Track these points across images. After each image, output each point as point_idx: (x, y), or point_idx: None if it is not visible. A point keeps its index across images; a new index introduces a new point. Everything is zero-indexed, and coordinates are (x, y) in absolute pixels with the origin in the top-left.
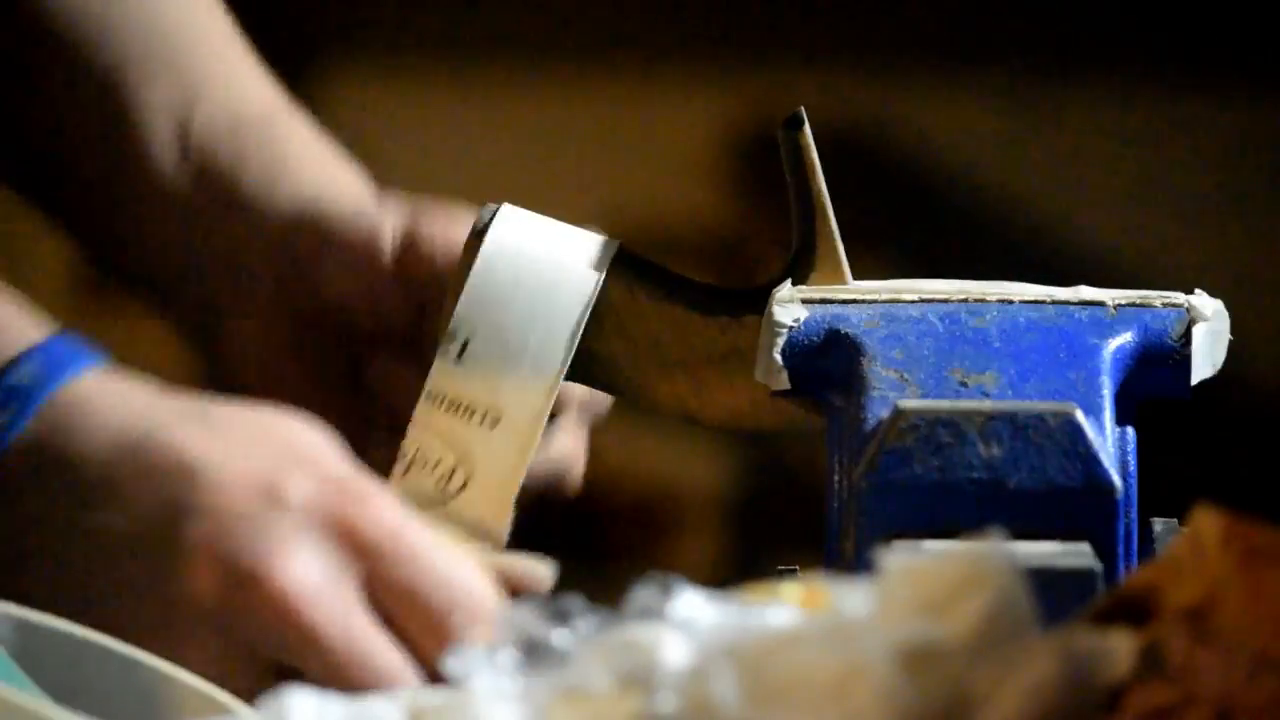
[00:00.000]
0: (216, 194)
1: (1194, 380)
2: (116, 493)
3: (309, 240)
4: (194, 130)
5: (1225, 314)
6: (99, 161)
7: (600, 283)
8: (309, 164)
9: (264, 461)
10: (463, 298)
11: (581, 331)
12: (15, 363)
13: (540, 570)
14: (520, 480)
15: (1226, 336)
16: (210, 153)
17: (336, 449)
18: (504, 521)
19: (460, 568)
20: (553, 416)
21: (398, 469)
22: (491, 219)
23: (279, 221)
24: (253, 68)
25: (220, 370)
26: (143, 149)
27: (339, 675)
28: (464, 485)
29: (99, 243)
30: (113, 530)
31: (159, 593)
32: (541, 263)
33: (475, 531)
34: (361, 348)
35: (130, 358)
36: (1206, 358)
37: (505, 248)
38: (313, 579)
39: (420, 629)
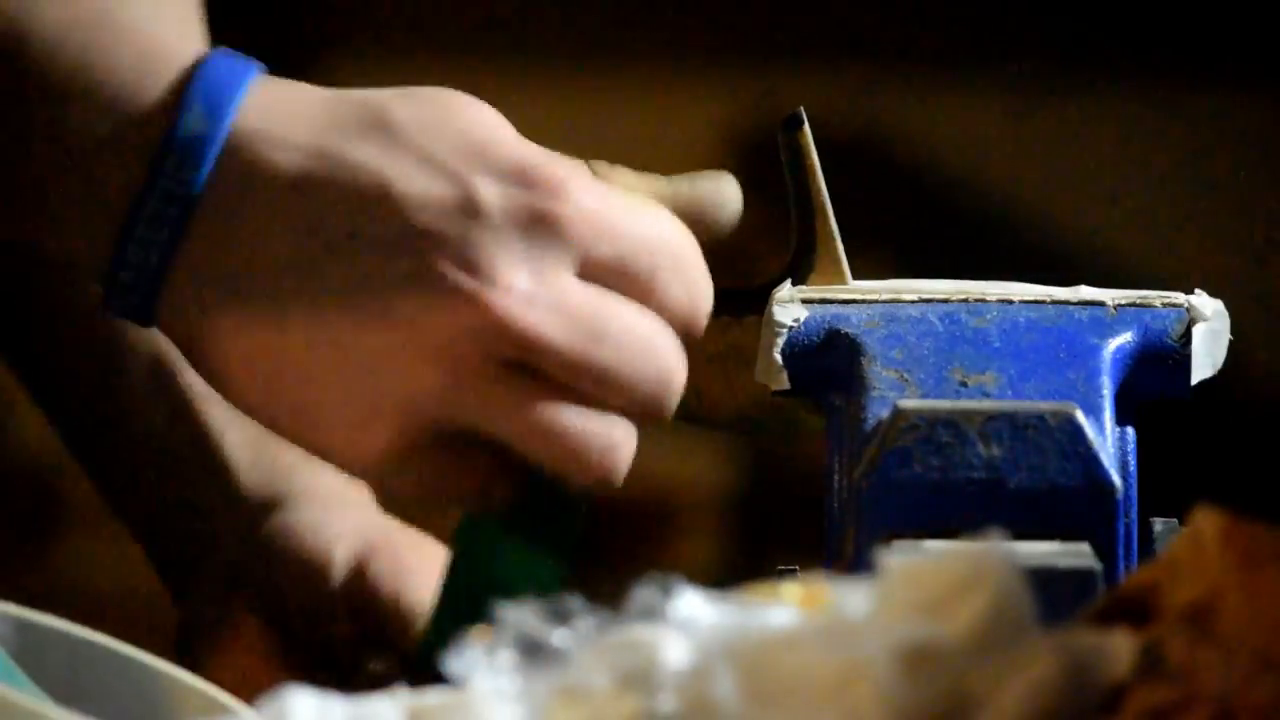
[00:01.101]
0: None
1: (1194, 380)
2: (319, 224)
3: (272, 540)
4: None
5: (1225, 314)
6: None
7: None
8: None
9: (451, 169)
10: None
11: None
12: (183, 106)
13: (727, 190)
14: None
15: (1227, 336)
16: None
17: (511, 129)
18: None
19: (657, 225)
20: None
21: None
22: None
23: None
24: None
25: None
26: None
27: (575, 368)
28: None
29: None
30: (317, 259)
31: (384, 321)
32: None
33: None
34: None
35: None
36: (1206, 358)
37: None
38: (527, 284)
39: (637, 293)
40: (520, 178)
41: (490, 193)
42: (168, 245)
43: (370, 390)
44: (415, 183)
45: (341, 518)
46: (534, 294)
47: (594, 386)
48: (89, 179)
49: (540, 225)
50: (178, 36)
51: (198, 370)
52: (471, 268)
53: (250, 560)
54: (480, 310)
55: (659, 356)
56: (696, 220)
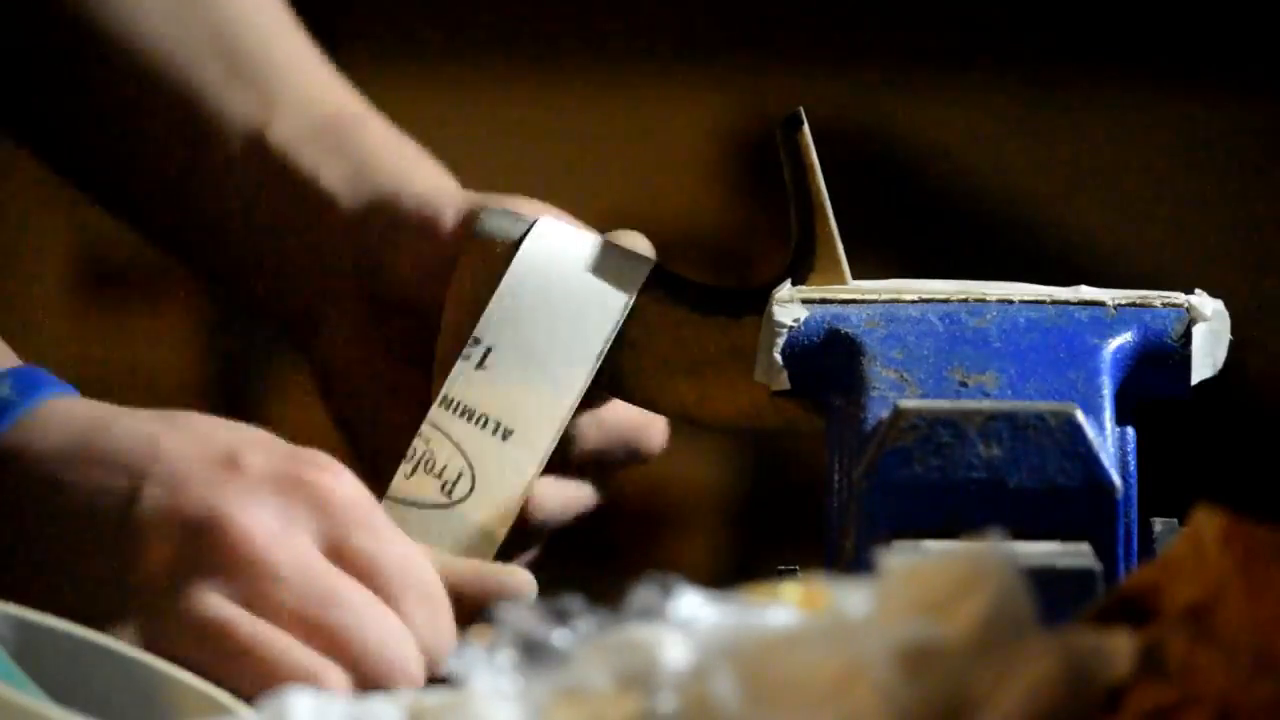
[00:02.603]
0: (298, 198)
1: (1194, 380)
2: (73, 481)
3: (378, 225)
4: (272, 138)
5: (1225, 314)
6: (177, 171)
7: (629, 305)
8: (388, 160)
9: (221, 441)
10: (490, 306)
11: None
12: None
13: (517, 580)
14: (526, 494)
15: (1227, 336)
16: (291, 158)
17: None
18: (502, 533)
19: (414, 551)
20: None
21: (404, 468)
22: (527, 231)
23: (356, 215)
24: (328, 73)
25: (321, 375)
26: (221, 160)
27: (304, 615)
28: (469, 492)
29: (181, 249)
30: (71, 515)
31: (119, 572)
32: (572, 281)
33: (473, 538)
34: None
35: (130, 356)
36: (1206, 357)
37: (537, 262)
38: (272, 525)
39: (383, 598)
40: (289, 455)
41: (256, 457)
42: None
43: None
44: (184, 443)
45: (450, 188)
46: (277, 533)
47: (319, 643)
48: None
49: (298, 491)
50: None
51: None
52: (218, 504)
53: (369, 262)
54: (218, 537)
55: (393, 639)
56: (474, 599)
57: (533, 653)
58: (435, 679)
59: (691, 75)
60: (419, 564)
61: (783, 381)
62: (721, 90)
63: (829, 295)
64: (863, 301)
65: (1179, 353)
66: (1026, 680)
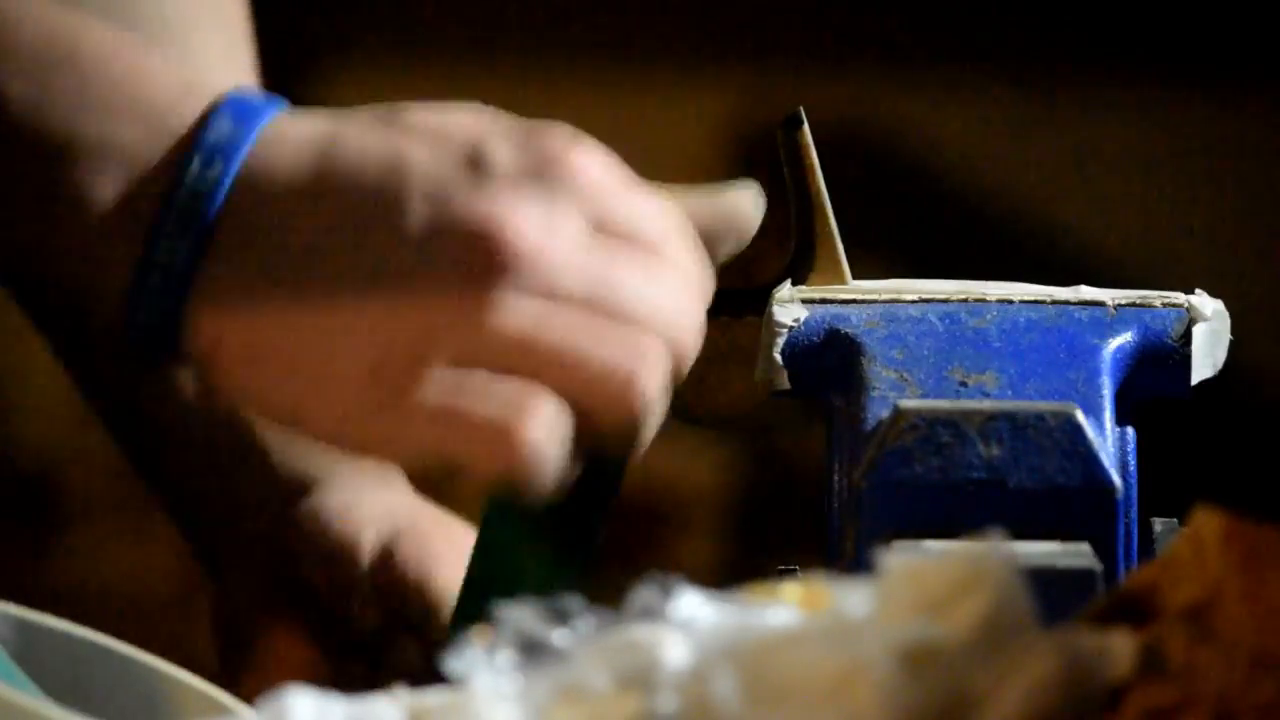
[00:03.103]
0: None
1: (1194, 380)
2: (324, 213)
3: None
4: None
5: (1226, 314)
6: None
7: None
8: None
9: (459, 140)
10: None
11: None
12: (208, 121)
13: (745, 201)
14: None
15: (1227, 336)
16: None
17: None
18: None
19: (667, 211)
20: None
21: None
22: None
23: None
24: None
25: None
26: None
27: (591, 299)
28: None
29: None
30: (327, 251)
31: (392, 308)
32: None
33: None
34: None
35: None
36: (1207, 357)
37: None
38: (540, 218)
39: (638, 261)
40: (530, 135)
41: (499, 148)
42: (189, 256)
43: (373, 351)
44: (422, 150)
45: (372, 500)
46: (548, 228)
47: (606, 319)
48: (113, 203)
49: (551, 174)
50: (221, 65)
51: (210, 377)
52: (483, 213)
53: (282, 545)
54: (494, 250)
55: (672, 304)
56: (715, 232)
57: (533, 653)
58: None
59: (691, 75)
60: (676, 225)
61: (783, 381)
62: (721, 89)
63: (829, 295)
64: (863, 301)
65: (1179, 353)
66: (1026, 680)
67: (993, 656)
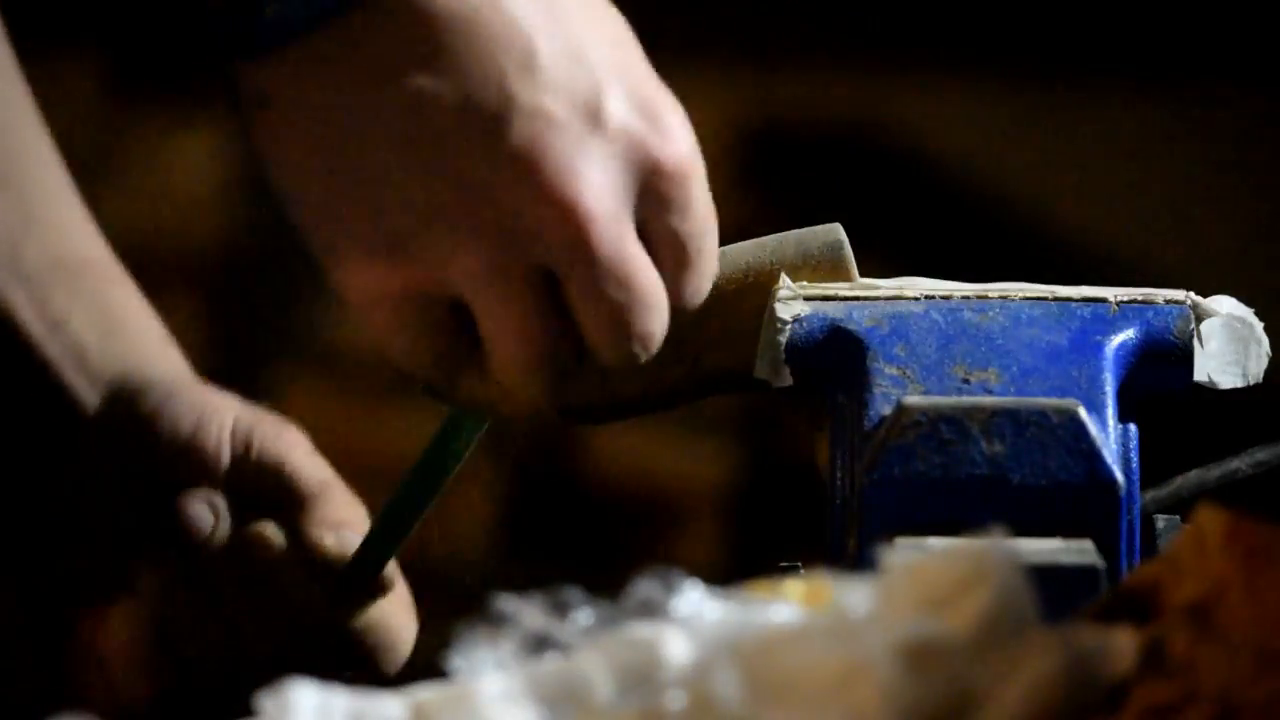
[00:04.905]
0: (51, 328)
1: (1223, 386)
2: (451, 59)
3: (143, 409)
4: (26, 261)
5: (1256, 324)
6: None
7: None
8: (133, 325)
9: (593, 64)
10: None
11: None
12: None
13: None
14: None
15: (1263, 349)
16: (43, 287)
17: (644, 58)
18: None
19: (710, 229)
20: None
21: None
22: None
23: (112, 380)
24: (82, 216)
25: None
26: None
27: (596, 288)
28: None
29: None
30: (440, 98)
31: (462, 170)
32: None
33: None
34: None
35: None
36: (1231, 364)
37: None
38: (605, 202)
39: (672, 266)
40: (644, 109)
41: (616, 109)
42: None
43: (423, 210)
44: (560, 60)
45: (218, 400)
46: (605, 213)
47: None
48: None
49: (636, 155)
50: None
51: (267, 131)
52: (569, 166)
53: (124, 457)
54: (555, 198)
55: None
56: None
57: (536, 649)
58: None
59: (696, 74)
60: (710, 248)
61: (786, 378)
62: (726, 89)
63: (832, 292)
64: (865, 299)
65: (1181, 350)
66: (1029, 677)
67: (995, 653)
